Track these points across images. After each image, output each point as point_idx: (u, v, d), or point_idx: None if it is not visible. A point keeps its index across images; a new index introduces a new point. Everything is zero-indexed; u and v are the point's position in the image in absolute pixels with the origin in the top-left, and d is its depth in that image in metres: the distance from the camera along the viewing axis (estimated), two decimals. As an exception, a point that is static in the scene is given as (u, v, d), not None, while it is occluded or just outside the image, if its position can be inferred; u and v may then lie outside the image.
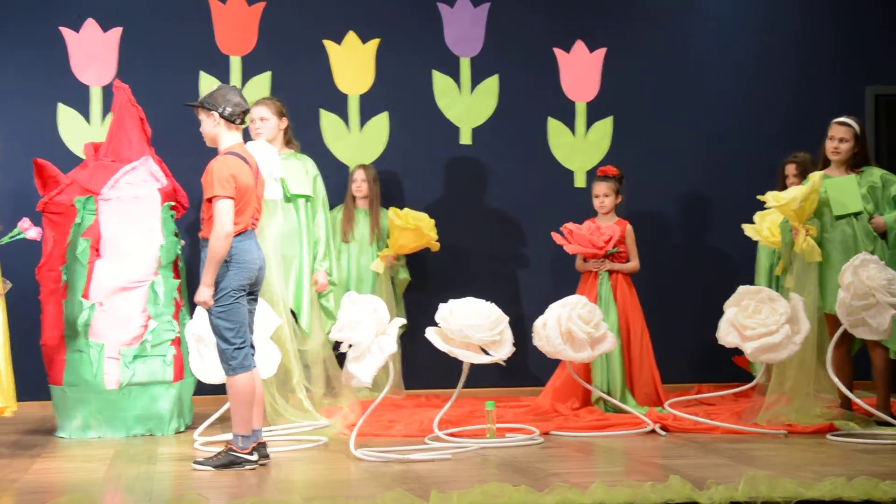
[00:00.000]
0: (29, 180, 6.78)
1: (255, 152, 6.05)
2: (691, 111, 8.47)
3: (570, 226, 7.03)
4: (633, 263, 7.11)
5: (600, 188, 7.17)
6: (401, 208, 7.76)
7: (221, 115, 5.26)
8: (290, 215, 6.54)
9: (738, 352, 6.53)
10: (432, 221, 7.68)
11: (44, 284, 6.48)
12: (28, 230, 6.00)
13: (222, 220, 5.13)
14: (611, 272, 7.04)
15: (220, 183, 5.15)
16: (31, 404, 7.27)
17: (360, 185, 7.74)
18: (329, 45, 8.07)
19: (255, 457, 5.25)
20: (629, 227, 7.14)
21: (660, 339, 7.36)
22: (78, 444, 6.12)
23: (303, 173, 6.60)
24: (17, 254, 6.45)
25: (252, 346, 5.32)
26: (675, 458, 5.43)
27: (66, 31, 7.66)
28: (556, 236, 7.04)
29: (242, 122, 5.35)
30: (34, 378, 6.73)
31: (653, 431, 6.20)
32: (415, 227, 7.57)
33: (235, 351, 5.20)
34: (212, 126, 5.29)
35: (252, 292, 5.35)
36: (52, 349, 6.38)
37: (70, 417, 6.31)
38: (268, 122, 6.51)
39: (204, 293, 5.15)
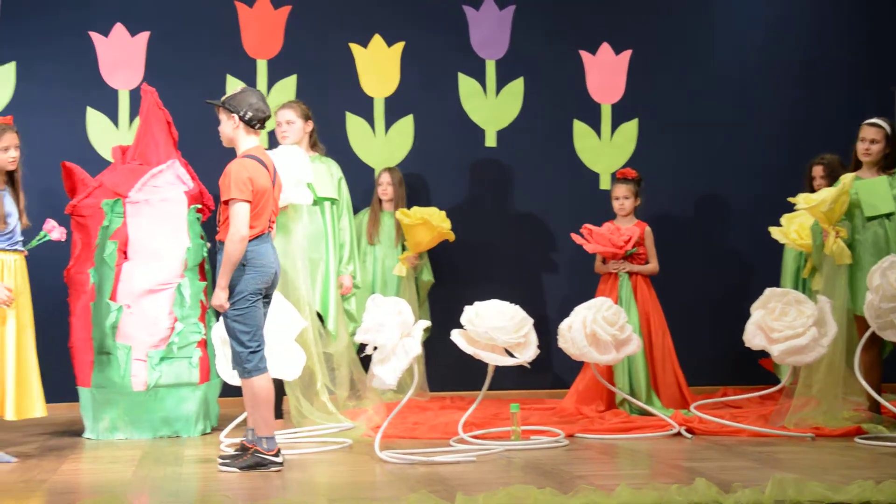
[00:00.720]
0: (58, 183, 6.84)
1: (285, 157, 6.08)
2: (716, 113, 8.44)
3: (590, 226, 7.04)
4: (653, 265, 7.12)
5: (620, 190, 7.18)
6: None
7: (242, 119, 5.27)
8: (315, 218, 6.57)
9: (763, 354, 6.50)
10: (443, 213, 7.63)
11: (72, 287, 6.53)
12: (52, 231, 6.02)
13: (238, 223, 5.14)
14: (630, 274, 7.04)
15: (237, 186, 5.15)
16: (59, 406, 7.32)
17: (385, 188, 7.75)
18: (355, 48, 8.10)
19: (280, 458, 5.26)
20: (648, 228, 7.14)
21: (683, 341, 7.34)
22: (105, 445, 6.16)
23: (328, 176, 6.63)
24: (45, 256, 6.52)
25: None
26: (700, 461, 5.40)
27: (95, 36, 7.72)
28: (575, 236, 7.05)
29: (262, 126, 5.35)
30: (62, 380, 6.78)
31: (678, 434, 6.18)
32: (423, 221, 7.54)
33: (251, 354, 5.22)
34: (231, 128, 5.30)
35: (266, 295, 5.36)
36: (80, 351, 6.42)
37: (98, 419, 6.35)
38: (294, 125, 6.54)
39: (220, 296, 5.16)
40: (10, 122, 5.65)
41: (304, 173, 6.18)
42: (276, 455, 5.26)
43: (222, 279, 5.16)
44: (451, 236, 7.70)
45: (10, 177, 5.66)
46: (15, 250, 5.63)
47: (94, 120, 7.75)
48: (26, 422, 6.96)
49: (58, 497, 4.63)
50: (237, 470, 5.20)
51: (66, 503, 4.39)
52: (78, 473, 5.33)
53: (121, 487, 4.86)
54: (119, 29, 7.75)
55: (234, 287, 5.19)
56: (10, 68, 7.60)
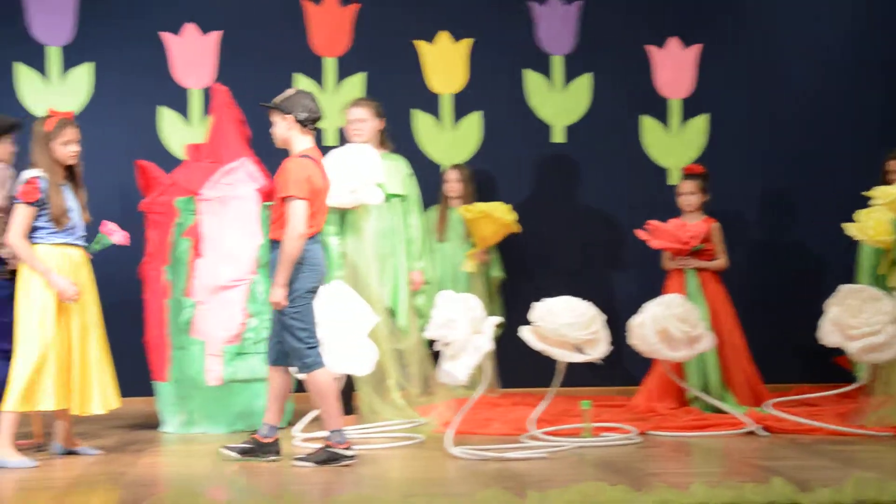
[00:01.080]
0: (132, 181, 6.95)
1: (356, 156, 6.11)
2: (787, 106, 8.33)
3: (654, 222, 7.00)
4: (721, 261, 7.05)
5: (686, 186, 7.14)
6: (491, 207, 7.77)
7: (296, 120, 5.33)
8: (384, 215, 6.59)
9: (838, 352, 6.40)
10: (508, 206, 7.62)
11: (147, 283, 6.63)
12: (113, 234, 5.93)
13: (296, 220, 5.18)
14: (698, 270, 6.98)
15: (296, 183, 5.20)
16: (136, 400, 7.44)
17: (453, 184, 7.76)
18: (421, 45, 8.12)
19: (352, 453, 5.30)
20: (716, 224, 7.08)
21: (754, 338, 7.25)
22: (181, 439, 6.26)
23: (397, 173, 6.66)
24: (120, 252, 6.62)
25: None
26: (776, 460, 5.33)
27: (166, 36, 7.83)
28: (639, 232, 7.01)
29: (314, 128, 5.42)
30: (139, 375, 6.89)
31: (753, 432, 6.11)
32: (485, 215, 7.52)
33: (309, 350, 5.27)
34: (285, 129, 5.36)
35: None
36: (156, 346, 6.52)
37: (174, 413, 6.45)
38: (366, 123, 6.57)
39: (277, 293, 5.21)
40: (71, 117, 5.60)
41: (376, 173, 6.21)
42: (348, 449, 5.30)
43: (280, 277, 5.20)
44: (516, 228, 7.67)
45: (71, 172, 5.60)
46: (77, 245, 5.56)
47: (167, 118, 7.86)
48: (105, 416, 7.11)
49: (137, 489, 4.71)
50: (311, 464, 5.24)
51: (145, 495, 4.45)
52: (156, 466, 5.43)
53: (198, 481, 4.93)
54: (190, 28, 7.86)
55: (292, 285, 5.24)
56: (87, 69, 7.73)
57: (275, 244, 5.30)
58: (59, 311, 5.41)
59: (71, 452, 5.63)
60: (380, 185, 6.38)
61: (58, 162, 5.49)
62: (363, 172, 6.18)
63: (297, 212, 5.19)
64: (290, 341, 5.28)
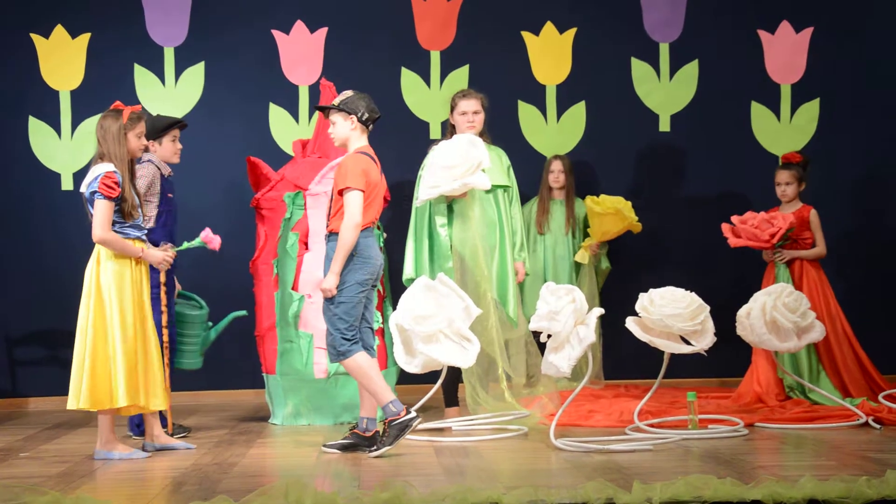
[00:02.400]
0: (243, 178, 7.12)
1: (465, 144, 6.16)
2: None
3: (736, 219, 6.88)
4: (819, 249, 6.91)
5: (782, 176, 7.00)
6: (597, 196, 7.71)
7: (360, 120, 5.54)
8: (488, 205, 6.61)
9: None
10: (629, 203, 7.58)
11: (257, 277, 6.77)
12: (210, 242, 5.92)
13: (353, 210, 5.37)
14: (792, 260, 6.86)
15: (353, 176, 5.41)
16: (246, 392, 7.65)
17: (557, 175, 7.73)
18: (527, 35, 8.10)
19: (414, 414, 5.39)
20: (814, 211, 6.94)
21: (862, 327, 7.07)
22: (289, 430, 6.38)
23: (499, 163, 6.66)
24: (233, 248, 6.79)
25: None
26: (891, 453, 5.19)
27: (277, 34, 7.97)
28: (724, 227, 6.90)
29: (371, 127, 5.60)
30: (249, 367, 7.06)
31: (866, 424, 5.96)
32: (616, 211, 7.49)
33: (344, 339, 5.39)
34: (348, 129, 5.55)
35: (372, 287, 5.54)
36: (266, 340, 6.65)
37: (282, 405, 6.58)
38: (479, 115, 6.63)
39: (331, 280, 5.38)
40: (140, 111, 5.58)
41: (483, 159, 6.24)
42: (408, 413, 5.38)
43: (336, 264, 5.38)
44: (639, 227, 7.62)
45: (131, 166, 5.52)
46: (141, 240, 5.52)
47: (276, 115, 8.00)
48: (218, 407, 7.32)
49: (247, 479, 4.83)
50: (387, 447, 5.34)
51: (255, 485, 4.56)
52: (265, 457, 5.55)
53: (305, 471, 5.03)
54: (299, 26, 7.98)
55: (343, 276, 5.39)
56: (199, 68, 7.93)
57: (333, 236, 5.45)
58: (128, 308, 5.39)
59: (163, 448, 5.67)
60: (485, 171, 6.40)
61: (130, 154, 5.49)
62: (471, 159, 6.22)
63: (354, 202, 5.38)
64: (329, 329, 5.43)
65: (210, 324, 6.35)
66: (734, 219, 6.91)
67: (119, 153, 5.44)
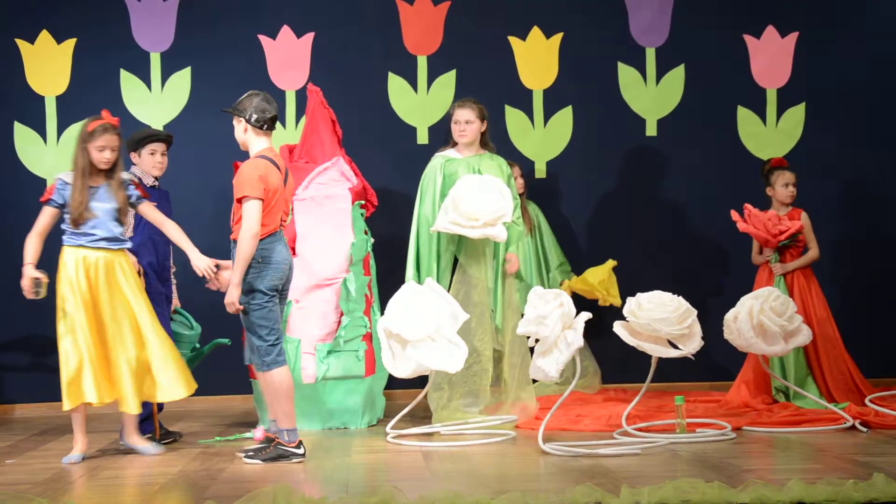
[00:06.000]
0: (231, 182, 7.08)
1: (497, 196, 6.20)
2: (886, 96, 8.11)
3: (750, 207, 6.91)
4: (813, 252, 6.96)
5: (788, 177, 7.15)
6: (586, 203, 7.71)
7: (248, 122, 5.42)
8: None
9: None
10: (614, 278, 7.48)
11: (244, 282, 6.75)
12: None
13: (250, 219, 5.28)
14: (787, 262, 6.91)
15: (249, 184, 5.30)
16: (234, 398, 7.63)
17: (518, 180, 7.71)
18: (513, 40, 8.11)
19: (301, 450, 5.40)
20: (804, 214, 6.99)
21: (849, 331, 7.11)
22: (278, 435, 6.37)
23: (499, 173, 6.67)
24: (222, 254, 6.77)
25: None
26: (878, 456, 5.21)
27: (263, 39, 7.96)
28: (734, 213, 6.93)
29: (271, 128, 5.48)
30: (237, 373, 7.03)
31: (853, 427, 5.98)
32: (590, 289, 7.43)
33: (270, 347, 5.36)
34: (241, 132, 5.48)
35: (282, 291, 5.49)
36: (253, 345, 6.64)
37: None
38: (472, 124, 6.64)
39: (232, 294, 5.32)
40: (116, 124, 5.62)
41: (507, 212, 6.28)
42: (298, 447, 5.39)
43: (235, 275, 5.31)
44: (618, 303, 7.40)
45: (111, 176, 5.60)
46: (97, 248, 5.59)
47: (262, 120, 7.96)
48: (205, 412, 7.30)
49: (235, 486, 4.82)
50: (261, 462, 5.34)
51: (242, 491, 4.56)
52: (253, 463, 5.53)
53: (294, 477, 5.02)
54: (286, 31, 7.97)
55: (252, 284, 5.33)
56: (185, 73, 7.91)
57: (235, 244, 5.39)
58: (82, 308, 5.53)
59: (131, 450, 5.72)
60: (506, 225, 6.40)
61: (94, 165, 5.56)
62: (497, 211, 6.25)
63: (251, 211, 5.29)
64: (253, 339, 5.39)
65: (198, 345, 6.34)
66: (747, 206, 6.93)
67: (79, 161, 5.56)
